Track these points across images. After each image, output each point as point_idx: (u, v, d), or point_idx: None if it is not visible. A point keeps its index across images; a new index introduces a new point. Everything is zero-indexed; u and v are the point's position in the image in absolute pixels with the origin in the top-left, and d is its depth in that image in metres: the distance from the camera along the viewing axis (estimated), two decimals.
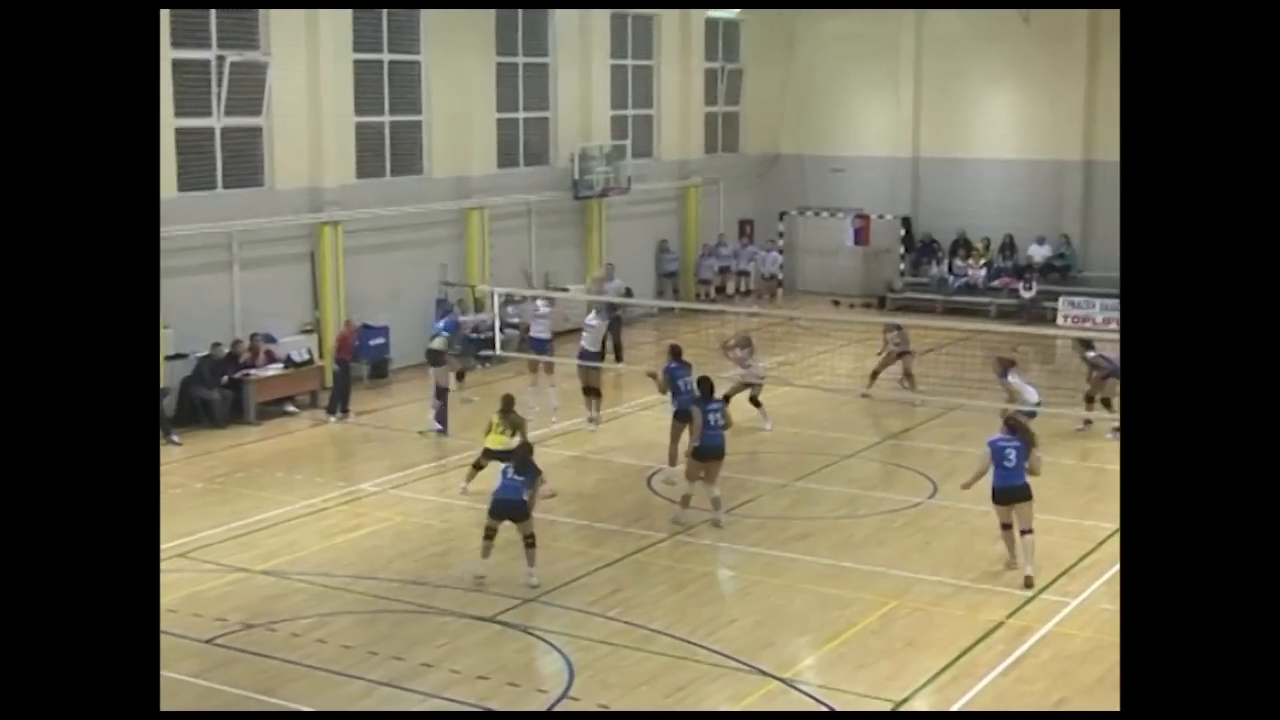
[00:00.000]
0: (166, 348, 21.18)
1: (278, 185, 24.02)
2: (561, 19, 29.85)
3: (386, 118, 26.32)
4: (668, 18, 33.07)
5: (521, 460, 15.06)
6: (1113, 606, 14.14)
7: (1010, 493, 14.91)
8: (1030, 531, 14.87)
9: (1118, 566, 15.35)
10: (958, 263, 34.11)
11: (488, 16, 27.89)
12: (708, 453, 16.81)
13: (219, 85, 22.61)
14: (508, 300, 27.23)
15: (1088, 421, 21.20)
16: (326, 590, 14.77)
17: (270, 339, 23.35)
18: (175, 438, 20.68)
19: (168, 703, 10.09)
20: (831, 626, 13.69)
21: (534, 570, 14.81)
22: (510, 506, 14.81)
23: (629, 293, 28.48)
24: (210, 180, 22.98)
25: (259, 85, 23.45)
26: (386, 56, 26.17)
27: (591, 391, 21.65)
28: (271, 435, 21.48)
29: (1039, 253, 33.53)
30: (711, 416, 16.80)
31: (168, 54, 21.56)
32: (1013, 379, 19.90)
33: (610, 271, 28.35)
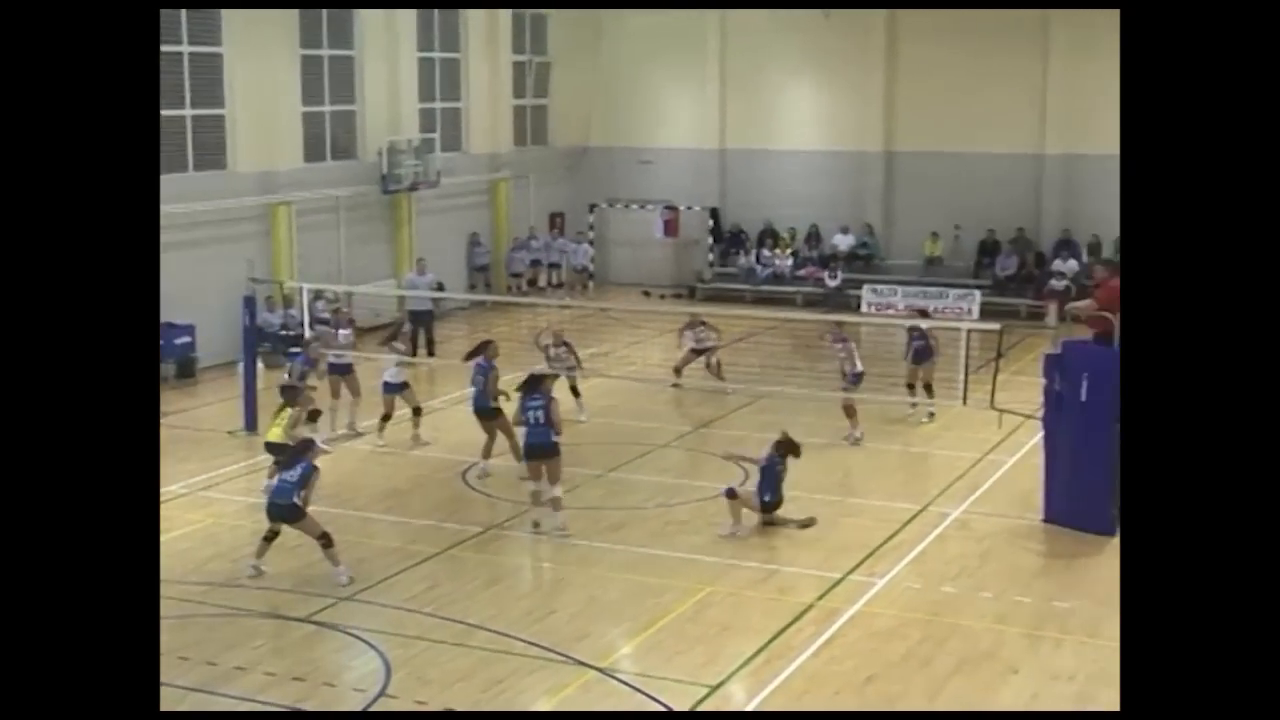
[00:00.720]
0: None
1: None
2: (367, 11, 29.54)
3: (188, 111, 25.75)
4: (474, 11, 32.96)
5: (290, 458, 14.89)
6: (917, 585, 14.65)
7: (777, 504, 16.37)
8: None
9: (921, 546, 15.92)
10: (765, 253, 34.74)
11: (291, 8, 27.46)
12: (531, 451, 16.47)
13: None
14: (318, 296, 26.91)
15: (915, 405, 21.72)
16: None
17: None
18: None
19: None
20: (647, 614, 13.87)
21: (342, 569, 14.65)
22: (281, 510, 14.66)
23: (440, 287, 28.40)
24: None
25: None
26: (186, 49, 25.60)
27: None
28: None
29: (843, 242, 34.34)
30: (531, 414, 16.37)
31: None
32: (848, 344, 20.50)
33: (421, 266, 28.21)
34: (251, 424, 20.80)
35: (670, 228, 35.59)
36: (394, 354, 20.65)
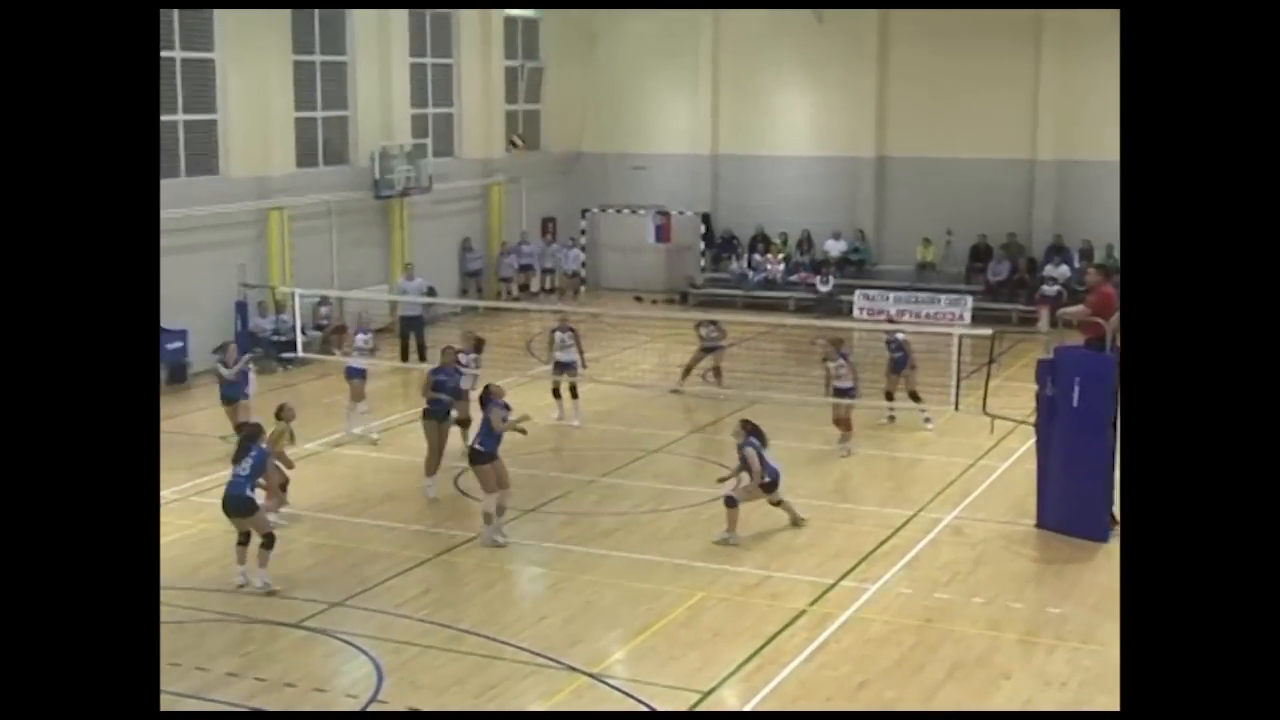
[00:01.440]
0: None
1: None
2: (359, 17, 29.53)
3: (180, 116, 25.71)
4: (466, 16, 32.95)
5: (240, 448, 14.80)
6: (910, 590, 14.65)
7: (778, 477, 16.35)
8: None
9: (914, 552, 15.92)
10: (757, 258, 34.74)
11: (283, 14, 27.45)
12: (479, 458, 16.32)
13: None
14: (322, 301, 26.93)
15: (892, 417, 21.74)
16: None
17: None
18: None
19: None
20: (641, 620, 13.86)
21: (264, 574, 14.53)
22: (234, 503, 14.62)
23: (432, 292, 28.38)
24: None
25: None
26: (179, 54, 25.57)
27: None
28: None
29: (835, 247, 34.35)
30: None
31: None
32: (849, 358, 20.33)
33: (410, 271, 28.22)
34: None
35: (663, 233, 35.59)
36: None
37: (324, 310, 27.29)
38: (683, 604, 14.27)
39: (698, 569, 15.35)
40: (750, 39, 34.90)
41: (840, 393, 19.89)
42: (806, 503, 17.73)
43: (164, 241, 24.53)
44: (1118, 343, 15.14)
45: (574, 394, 22.04)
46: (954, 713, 11.98)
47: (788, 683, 12.40)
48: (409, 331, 26.49)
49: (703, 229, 35.58)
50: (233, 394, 19.86)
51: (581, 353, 22.07)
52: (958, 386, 18.65)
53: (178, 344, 24.70)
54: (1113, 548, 15.32)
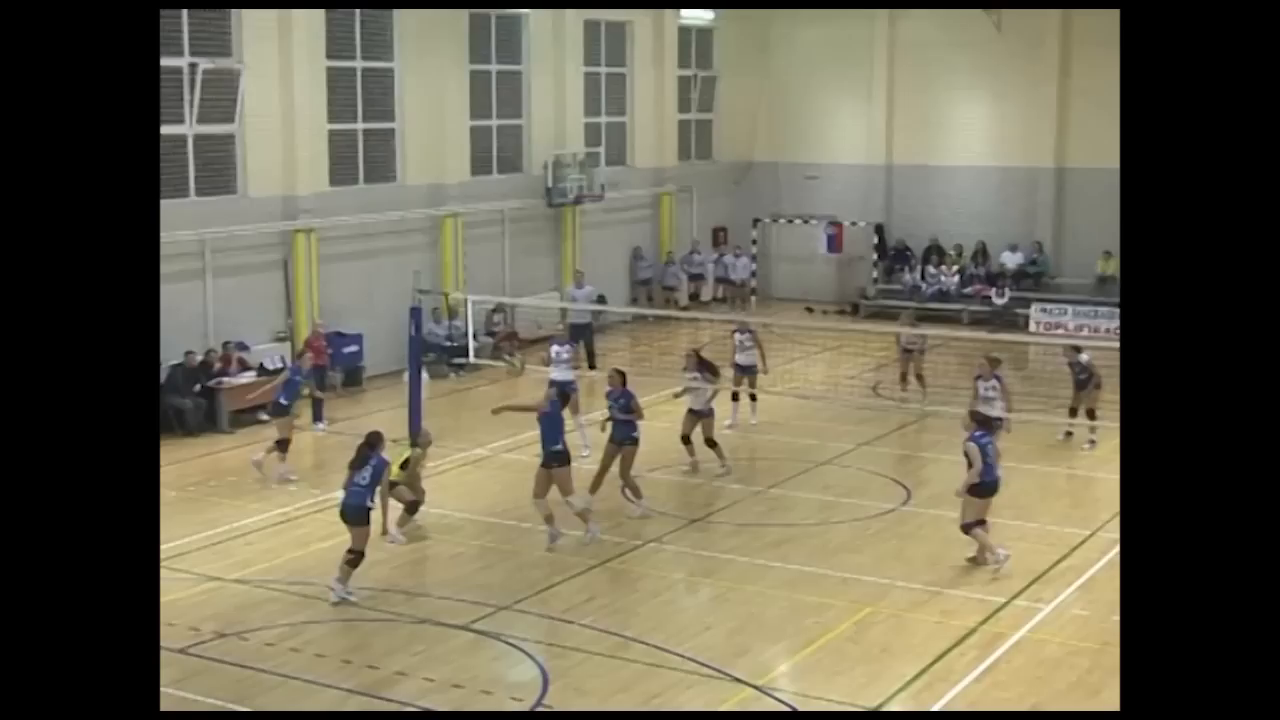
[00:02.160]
0: None
1: (251, 193, 23.96)
2: (535, 26, 29.86)
3: (360, 125, 26.28)
4: (641, 25, 33.11)
5: (359, 456, 14.80)
6: (1086, 612, 14.22)
7: (995, 486, 15.47)
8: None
9: (1091, 573, 15.46)
10: (930, 269, 34.23)
11: (461, 24, 27.90)
12: (559, 459, 16.35)
13: (191, 92, 22.54)
14: (496, 309, 27.28)
15: (1069, 433, 21.20)
16: (300, 599, 14.71)
17: (243, 347, 23.29)
18: None
19: None
20: (806, 633, 13.70)
21: (342, 588, 14.44)
22: (352, 512, 14.64)
23: (602, 299, 28.53)
24: (183, 188, 22.89)
25: (231, 92, 23.38)
26: (360, 64, 26.14)
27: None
28: (245, 444, 21.37)
29: (1011, 259, 33.67)
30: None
31: None
32: (1003, 382, 19.64)
33: (580, 279, 28.39)
34: (416, 433, 21.06)
35: (835, 243, 35.32)
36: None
37: (496, 318, 27.64)
38: (850, 618, 14.06)
39: (865, 583, 15.13)
40: (926, 47, 34.43)
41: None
42: None
43: (342, 248, 25.35)
44: None
45: (753, 398, 21.99)
46: (954, 712, 11.80)
47: (957, 702, 12.14)
48: (578, 339, 26.62)
49: (875, 239, 35.21)
50: (281, 410, 19.52)
51: (763, 355, 21.94)
52: None
53: (354, 348, 25.21)
54: None
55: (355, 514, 14.62)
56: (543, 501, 16.31)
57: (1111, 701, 12.10)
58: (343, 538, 15.65)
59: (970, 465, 15.37)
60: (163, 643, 13.22)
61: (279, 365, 23.47)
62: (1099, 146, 32.41)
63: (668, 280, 33.97)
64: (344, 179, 25.94)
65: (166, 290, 21.94)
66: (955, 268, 33.99)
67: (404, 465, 16.77)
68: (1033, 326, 31.11)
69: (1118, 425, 19.22)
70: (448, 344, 26.36)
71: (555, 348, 21.25)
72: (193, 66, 22.50)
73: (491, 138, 29.46)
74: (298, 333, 24.28)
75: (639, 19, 33.01)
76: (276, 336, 24.31)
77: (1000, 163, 34.04)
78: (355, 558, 14.53)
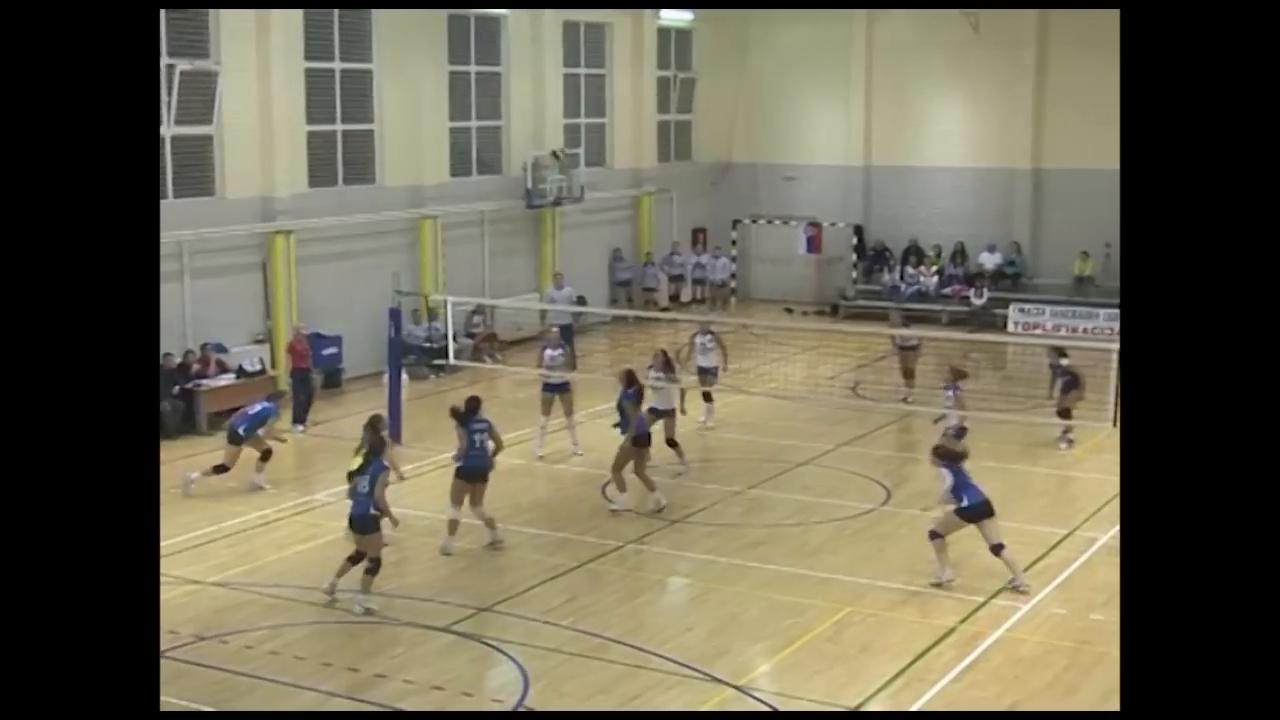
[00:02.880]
0: None
1: (228, 194, 23.91)
2: (514, 28, 29.86)
3: (339, 126, 26.25)
4: (620, 26, 33.13)
5: (364, 465, 14.64)
6: (1063, 611, 14.30)
7: (980, 509, 14.86)
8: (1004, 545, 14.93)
9: (1068, 571, 15.55)
10: (909, 270, 34.32)
11: (440, 25, 27.89)
12: (470, 474, 16.17)
13: (169, 93, 22.48)
14: (476, 311, 27.30)
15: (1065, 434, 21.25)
16: (280, 601, 14.70)
17: (221, 349, 23.23)
18: None
19: None
20: (786, 633, 13.74)
21: (364, 598, 14.32)
22: (358, 523, 14.51)
23: (581, 300, 28.54)
24: (161, 189, 22.81)
25: (209, 93, 23.33)
26: (338, 65, 26.10)
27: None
28: (223, 446, 21.30)
29: (990, 260, 33.80)
30: (476, 437, 16.22)
31: None
32: (957, 393, 19.79)
33: (559, 280, 28.40)
34: (396, 434, 21.01)
35: (814, 244, 35.39)
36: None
37: (476, 319, 27.64)
38: (829, 618, 14.11)
39: (844, 583, 15.18)
40: (903, 48, 34.52)
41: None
42: None
43: (321, 249, 25.31)
44: None
45: (708, 398, 21.98)
46: (953, 712, 11.86)
47: (935, 701, 12.19)
48: (567, 341, 26.63)
49: (854, 240, 35.30)
50: (237, 438, 18.89)
51: (725, 357, 21.94)
52: (1116, 403, 18.14)
53: (333, 349, 25.17)
54: None
55: (363, 524, 14.54)
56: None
57: (1088, 700, 12.19)
58: (321, 540, 15.68)
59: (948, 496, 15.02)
60: None
61: (258, 367, 23.43)
62: (1075, 147, 32.59)
63: (647, 281, 33.98)
64: (322, 180, 25.89)
65: None
66: (934, 268, 34.10)
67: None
68: (1011, 327, 31.24)
69: (1096, 425, 19.42)
70: (427, 345, 26.35)
71: (549, 352, 21.21)
72: (170, 67, 22.43)
73: (471, 139, 29.46)
74: (277, 335, 24.23)
75: (618, 20, 33.04)
76: (255, 339, 24.26)
77: (978, 163, 34.16)
78: (373, 566, 14.43)
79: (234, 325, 23.92)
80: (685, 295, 35.01)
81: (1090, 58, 32.09)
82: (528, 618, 14.18)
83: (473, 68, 29.28)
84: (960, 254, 34.17)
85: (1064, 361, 21.04)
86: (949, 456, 15.21)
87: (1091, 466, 20.01)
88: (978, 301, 32.59)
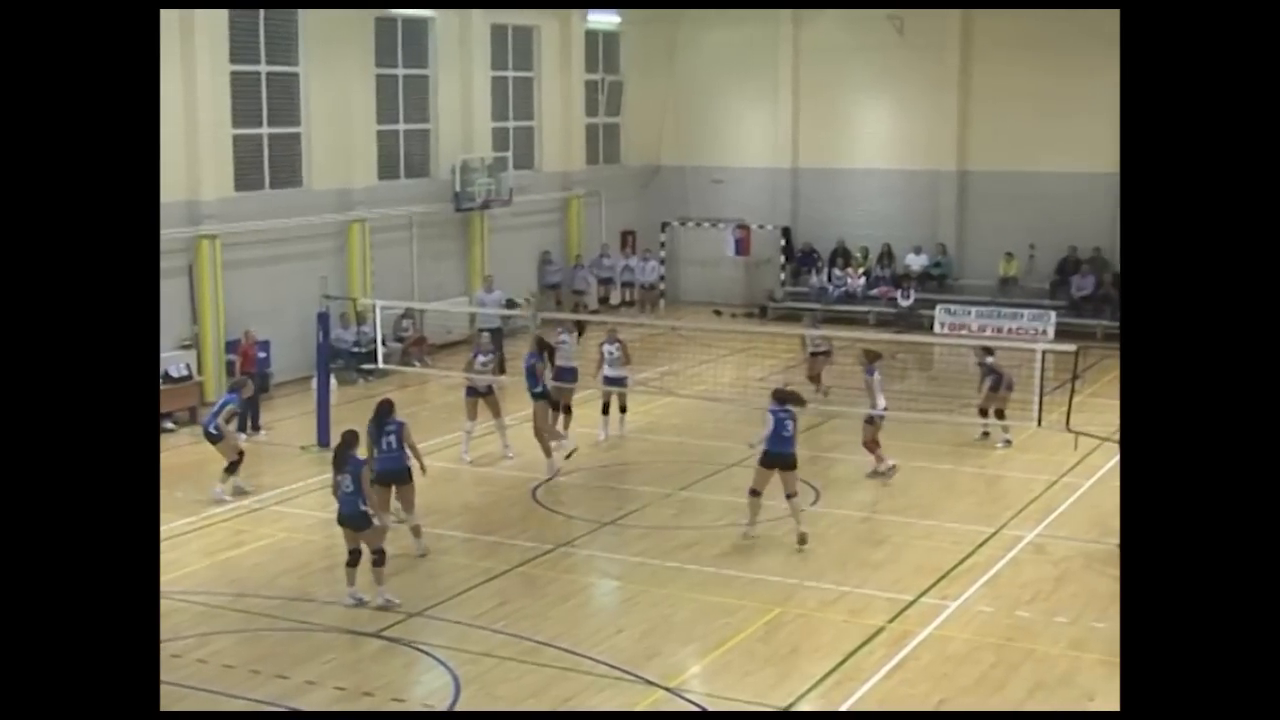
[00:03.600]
0: None
1: None
2: (442, 30, 29.77)
3: (265, 130, 26.04)
4: (548, 29, 33.11)
5: (339, 458, 14.63)
6: (990, 608, 14.47)
7: (782, 459, 16.41)
8: (796, 495, 16.52)
9: (995, 569, 15.73)
10: (837, 272, 34.54)
11: (366, 27, 27.75)
12: (385, 477, 15.92)
13: None
14: (405, 314, 27.19)
15: (986, 433, 21.49)
16: (208, 609, 14.57)
17: None
18: None
19: None
20: (717, 634, 13.80)
21: (384, 590, 14.51)
22: (351, 520, 14.57)
23: (510, 304, 28.49)
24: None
25: None
26: (264, 68, 25.89)
27: (566, 410, 21.20)
28: (174, 448, 21.10)
29: (916, 262, 34.08)
30: (385, 440, 15.97)
31: None
32: (876, 376, 19.87)
33: (489, 283, 28.34)
34: (325, 439, 20.90)
35: (742, 246, 35.53)
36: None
37: (405, 323, 27.54)
38: (760, 619, 14.18)
39: (774, 583, 15.26)
40: (830, 51, 34.74)
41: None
42: (886, 519, 17.64)
43: (249, 253, 25.10)
44: None
45: (622, 409, 21.98)
46: (952, 712, 11.93)
47: (866, 700, 12.28)
48: (499, 345, 26.55)
49: (782, 242, 35.48)
50: (214, 438, 18.91)
51: (628, 363, 21.81)
52: (1041, 403, 18.38)
53: (261, 354, 24.95)
54: None
55: (356, 521, 14.52)
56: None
57: (1015, 695, 12.35)
58: (250, 546, 15.55)
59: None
60: None
61: (184, 373, 23.19)
62: (999, 149, 32.99)
63: (576, 284, 33.97)
64: (249, 184, 25.67)
65: None
66: (861, 270, 34.33)
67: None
68: (937, 328, 31.48)
69: (1021, 424, 19.63)
70: (356, 350, 26.22)
71: (481, 357, 21.09)
72: None
73: (399, 142, 29.33)
74: (204, 341, 24.01)
75: (546, 23, 33.01)
76: (181, 344, 24.01)
77: (904, 165, 34.43)
78: (379, 557, 14.49)
79: (160, 331, 23.62)
80: (615, 298, 35.02)
81: (1014, 58, 32.49)
82: (459, 622, 14.15)
83: (400, 70, 29.16)
84: (887, 256, 34.42)
85: (989, 360, 21.26)
86: (786, 399, 16.77)
87: (1017, 465, 20.25)
88: (904, 303, 32.86)
